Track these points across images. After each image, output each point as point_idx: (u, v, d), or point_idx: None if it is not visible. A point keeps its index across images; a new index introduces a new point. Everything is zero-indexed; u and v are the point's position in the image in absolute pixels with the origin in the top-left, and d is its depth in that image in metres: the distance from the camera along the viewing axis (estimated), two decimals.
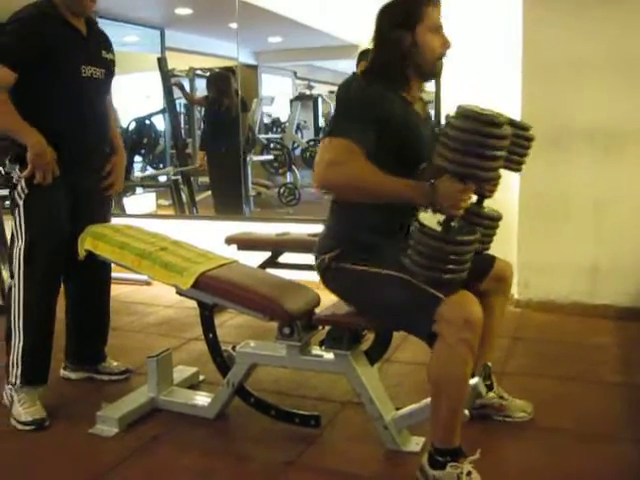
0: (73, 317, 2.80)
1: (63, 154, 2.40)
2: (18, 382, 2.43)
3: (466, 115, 1.71)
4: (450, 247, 1.77)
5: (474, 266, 1.90)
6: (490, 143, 1.71)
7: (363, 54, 4.89)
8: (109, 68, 2.63)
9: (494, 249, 3.77)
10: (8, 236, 4.02)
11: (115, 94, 2.81)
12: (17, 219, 2.43)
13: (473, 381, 2.11)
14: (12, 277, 2.45)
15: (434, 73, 2.16)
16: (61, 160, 2.39)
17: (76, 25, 2.48)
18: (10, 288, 2.45)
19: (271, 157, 6.08)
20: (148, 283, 4.53)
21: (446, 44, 2.09)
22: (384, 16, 2.07)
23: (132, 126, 6.42)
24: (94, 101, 2.54)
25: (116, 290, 4.53)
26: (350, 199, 1.97)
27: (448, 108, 3.93)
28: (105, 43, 2.65)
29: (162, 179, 6.47)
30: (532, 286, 3.80)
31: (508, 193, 3.82)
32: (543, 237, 3.76)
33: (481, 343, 1.89)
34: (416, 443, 2.17)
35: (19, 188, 2.40)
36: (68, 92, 2.42)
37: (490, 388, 2.34)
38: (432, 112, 4.12)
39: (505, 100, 3.78)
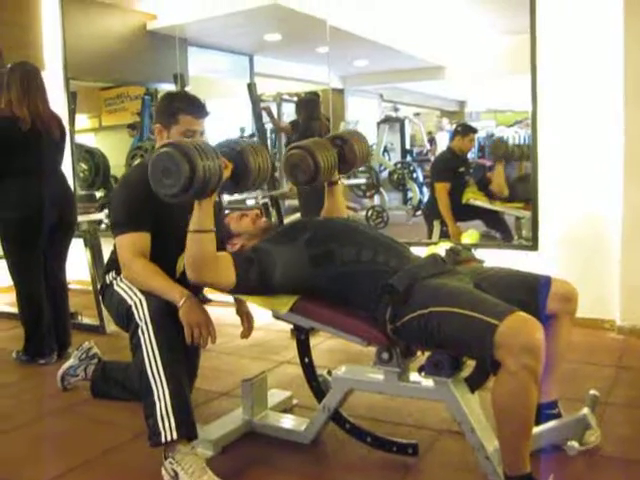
0: None
1: None
2: (175, 436, 2.10)
3: None
4: None
5: (529, 288, 2.07)
6: None
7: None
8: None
9: (592, 270, 3.68)
10: None
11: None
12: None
13: (583, 412, 2.01)
14: (134, 331, 2.25)
15: None
16: None
17: None
18: (137, 345, 2.22)
19: (362, 181, 6.08)
20: None
21: None
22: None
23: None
24: None
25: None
26: None
27: (546, 130, 3.84)
28: None
29: (249, 202, 6.56)
30: (637, 312, 3.62)
31: (608, 211, 3.68)
32: None
33: (549, 368, 1.87)
34: None
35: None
36: (176, 241, 2.29)
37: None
38: (528, 132, 4.02)
39: (606, 121, 3.66)
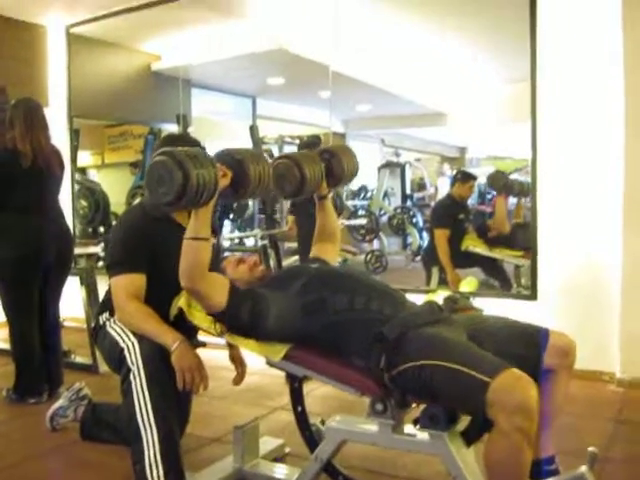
0: None
1: None
2: None
3: None
4: None
5: (528, 342, 2.00)
6: None
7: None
8: None
9: (591, 321, 3.63)
10: None
11: None
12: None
13: (581, 470, 1.96)
14: (126, 375, 2.23)
15: None
16: None
17: (179, 220, 2.45)
18: (127, 389, 2.20)
19: (363, 222, 6.09)
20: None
21: None
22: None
23: None
24: None
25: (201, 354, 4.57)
26: None
27: (545, 178, 3.85)
28: None
29: (249, 243, 6.55)
30: (637, 364, 3.56)
31: (608, 260, 3.66)
32: None
33: (546, 422, 1.83)
34: None
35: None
36: (171, 284, 2.23)
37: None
38: (528, 180, 4.02)
39: (605, 169, 3.67)
